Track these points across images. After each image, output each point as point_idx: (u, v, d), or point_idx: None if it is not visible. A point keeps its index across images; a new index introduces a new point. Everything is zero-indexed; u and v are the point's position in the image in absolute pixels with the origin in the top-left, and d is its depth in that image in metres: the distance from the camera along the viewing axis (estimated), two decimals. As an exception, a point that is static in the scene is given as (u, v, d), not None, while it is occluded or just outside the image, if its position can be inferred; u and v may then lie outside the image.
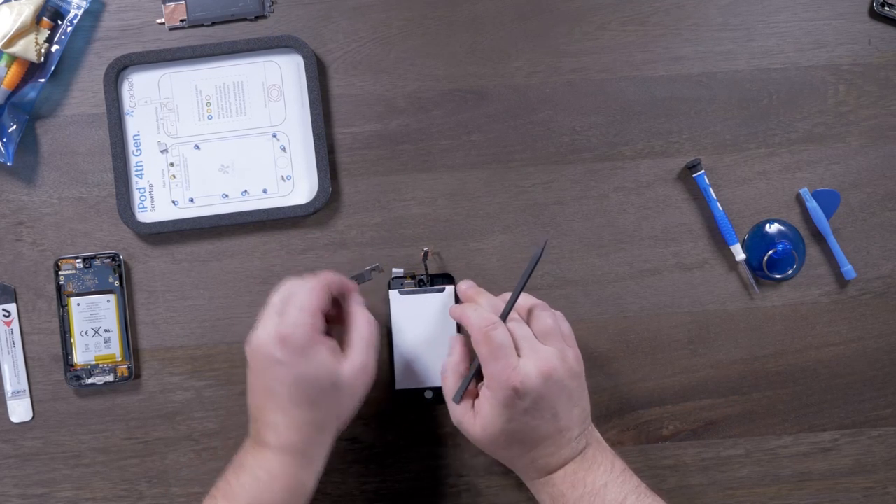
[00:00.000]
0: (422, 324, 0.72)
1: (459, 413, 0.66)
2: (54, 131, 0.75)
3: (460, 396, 0.65)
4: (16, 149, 0.74)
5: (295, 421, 0.63)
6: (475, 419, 0.65)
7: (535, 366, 0.62)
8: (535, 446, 0.64)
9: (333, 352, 0.64)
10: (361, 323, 0.66)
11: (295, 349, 0.62)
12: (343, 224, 0.75)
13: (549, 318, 0.66)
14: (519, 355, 0.63)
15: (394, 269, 0.73)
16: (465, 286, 0.70)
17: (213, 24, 0.75)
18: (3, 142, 0.73)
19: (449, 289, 0.73)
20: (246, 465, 0.64)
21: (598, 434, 0.67)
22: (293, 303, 0.64)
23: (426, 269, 0.73)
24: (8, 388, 0.74)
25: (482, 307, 0.66)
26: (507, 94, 0.75)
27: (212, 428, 0.75)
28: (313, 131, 0.74)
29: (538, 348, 0.64)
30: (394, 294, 0.73)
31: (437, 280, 0.73)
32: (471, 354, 0.67)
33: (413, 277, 0.73)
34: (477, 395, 0.65)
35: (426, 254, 0.72)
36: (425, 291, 0.73)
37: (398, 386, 0.73)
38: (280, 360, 0.63)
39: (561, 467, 0.64)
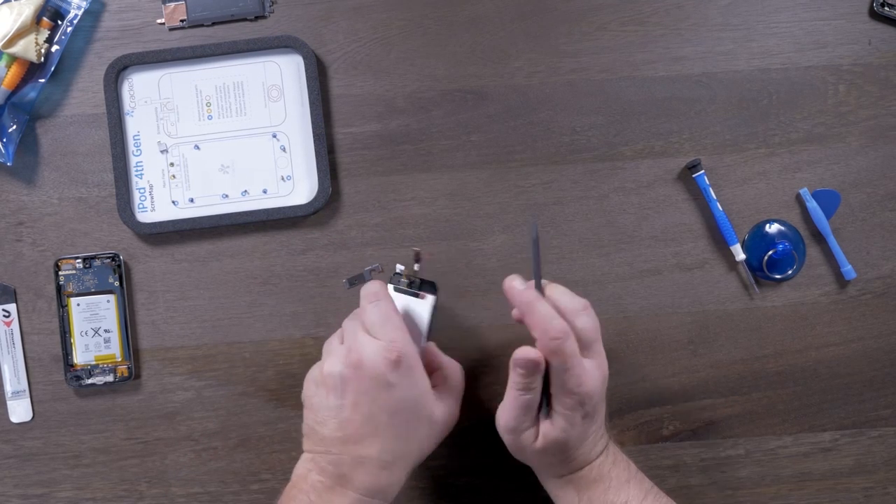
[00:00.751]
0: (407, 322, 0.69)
1: (520, 425, 0.63)
2: (54, 131, 0.75)
3: (547, 410, 0.62)
4: (16, 149, 0.74)
5: (389, 454, 0.61)
6: (535, 430, 0.63)
7: (598, 370, 0.62)
8: (579, 446, 0.63)
9: (431, 388, 0.63)
10: (455, 372, 0.66)
11: (406, 370, 0.61)
12: (343, 224, 0.75)
13: (592, 321, 0.63)
14: (585, 356, 0.62)
15: (397, 266, 0.70)
16: (514, 282, 0.64)
17: (213, 24, 0.75)
18: (3, 142, 0.73)
19: (429, 297, 0.69)
20: None
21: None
22: (390, 324, 0.62)
23: (413, 272, 0.70)
24: (8, 388, 0.74)
25: (549, 308, 0.61)
26: (507, 94, 0.75)
27: (212, 428, 0.75)
28: (313, 131, 0.74)
29: (594, 350, 0.62)
30: (390, 289, 0.69)
31: (424, 286, 0.70)
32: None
33: (407, 277, 0.70)
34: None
35: (417, 255, 0.69)
36: (408, 294, 0.69)
37: None
38: (391, 384, 0.60)
39: (590, 462, 0.64)
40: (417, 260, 0.69)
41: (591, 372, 0.61)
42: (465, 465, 0.75)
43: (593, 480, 0.64)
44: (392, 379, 0.60)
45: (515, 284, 0.63)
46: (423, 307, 0.69)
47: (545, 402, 0.63)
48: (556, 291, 0.64)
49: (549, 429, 0.62)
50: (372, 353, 0.60)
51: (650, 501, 0.64)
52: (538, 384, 0.62)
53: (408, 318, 0.68)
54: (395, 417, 0.61)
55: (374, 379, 0.60)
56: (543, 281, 0.65)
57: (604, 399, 0.65)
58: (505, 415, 0.63)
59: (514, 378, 0.62)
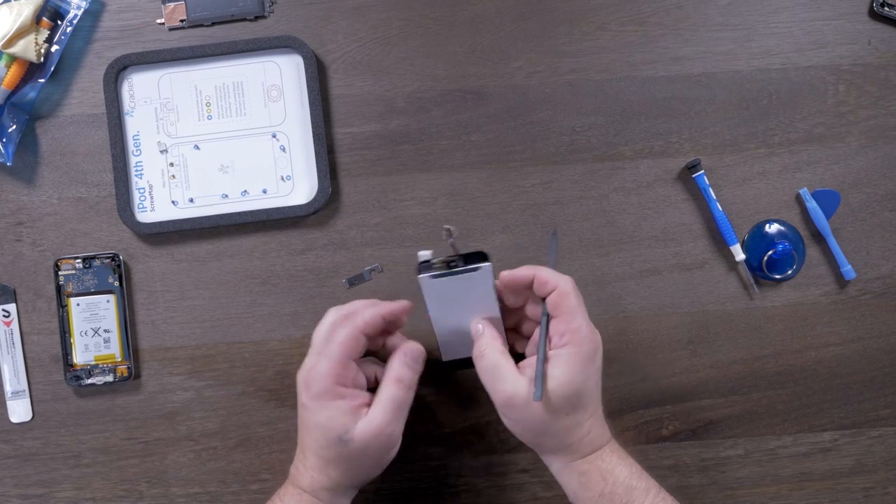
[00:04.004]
0: (460, 304, 0.67)
1: (513, 388, 0.62)
2: (54, 131, 0.75)
3: (541, 391, 0.61)
4: (16, 149, 0.74)
5: (311, 463, 0.64)
6: (541, 385, 0.62)
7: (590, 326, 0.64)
8: (595, 409, 0.64)
9: (351, 410, 0.63)
10: (392, 384, 0.65)
11: (313, 396, 0.63)
12: (343, 224, 0.75)
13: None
14: None
15: (419, 253, 0.66)
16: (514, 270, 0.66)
17: (213, 24, 0.75)
18: (3, 142, 0.73)
19: (486, 266, 0.65)
20: (274, 497, 0.66)
21: None
22: (326, 349, 0.64)
23: (455, 249, 0.65)
24: (8, 388, 0.74)
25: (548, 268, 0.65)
26: (507, 94, 0.75)
27: (212, 428, 0.75)
28: (313, 131, 0.74)
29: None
30: (424, 279, 0.65)
31: (472, 259, 0.65)
32: (503, 332, 0.66)
33: (444, 261, 0.66)
34: (521, 368, 0.64)
35: (450, 231, 0.64)
36: (461, 272, 0.65)
37: (445, 358, 0.70)
38: (304, 404, 0.64)
39: (596, 450, 0.64)
40: (450, 236, 0.65)
41: (590, 324, 0.64)
42: (465, 465, 0.75)
43: (600, 476, 0.64)
44: (304, 400, 0.64)
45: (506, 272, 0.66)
46: (483, 279, 0.66)
47: (539, 374, 0.61)
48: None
49: (564, 381, 0.62)
50: (299, 374, 0.65)
51: (651, 498, 0.64)
52: (497, 345, 0.64)
53: (472, 293, 0.66)
54: (308, 433, 0.64)
55: (298, 397, 0.65)
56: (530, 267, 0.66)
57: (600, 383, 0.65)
58: (496, 387, 0.64)
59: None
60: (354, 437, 0.63)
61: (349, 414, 0.63)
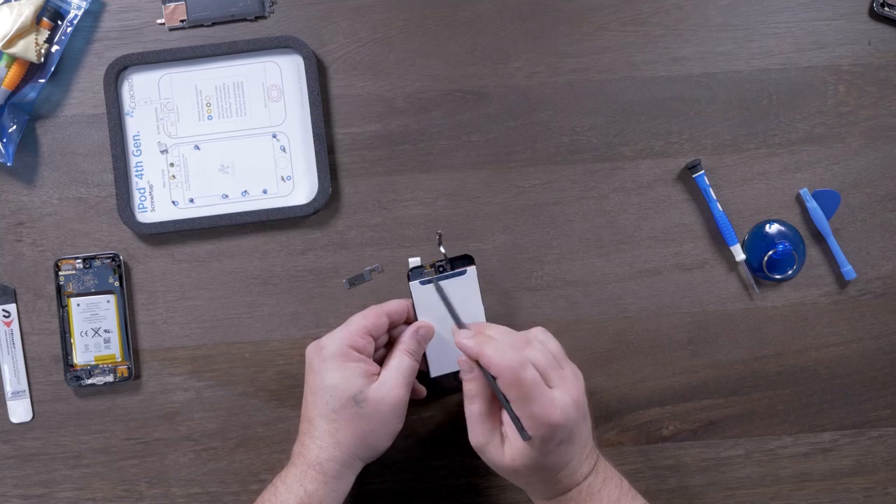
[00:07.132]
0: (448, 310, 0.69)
1: (483, 440, 0.64)
2: (54, 131, 0.75)
3: (527, 435, 0.61)
4: (16, 149, 0.74)
5: (320, 431, 0.65)
6: (503, 449, 0.63)
7: (569, 394, 0.62)
8: (561, 469, 0.63)
9: (365, 372, 0.65)
10: (403, 353, 0.67)
11: (324, 359, 0.65)
12: (343, 224, 0.75)
13: (540, 352, 0.63)
14: (549, 386, 0.62)
15: (410, 260, 0.71)
16: (465, 339, 0.65)
17: (213, 24, 0.75)
18: (3, 142, 0.73)
19: (471, 270, 0.69)
20: (275, 480, 0.66)
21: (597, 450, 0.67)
22: (345, 323, 0.67)
23: (444, 255, 0.70)
24: (8, 388, 0.74)
25: (499, 342, 0.63)
26: (507, 94, 0.75)
27: (212, 428, 0.75)
28: (313, 132, 0.74)
29: (563, 375, 0.63)
30: (415, 285, 0.69)
31: (458, 263, 0.70)
32: (490, 390, 0.64)
33: (432, 266, 0.70)
34: (501, 423, 0.64)
35: (440, 237, 0.69)
36: (447, 277, 0.69)
37: (433, 374, 0.71)
38: (312, 368, 0.66)
39: (579, 483, 0.63)
40: (440, 242, 0.70)
41: (559, 401, 0.61)
42: (465, 465, 0.75)
43: (583, 501, 0.63)
44: (314, 364, 0.66)
45: (461, 337, 0.65)
46: (469, 282, 0.70)
47: (521, 426, 0.61)
48: (499, 332, 0.65)
49: (519, 454, 0.62)
50: (308, 347, 0.68)
51: None
52: (479, 392, 0.64)
53: (459, 298, 0.69)
54: (316, 397, 0.65)
55: (307, 364, 0.67)
56: (485, 323, 0.67)
57: (586, 419, 0.64)
58: (469, 431, 0.65)
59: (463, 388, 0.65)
60: (368, 397, 0.64)
61: (363, 376, 0.65)
